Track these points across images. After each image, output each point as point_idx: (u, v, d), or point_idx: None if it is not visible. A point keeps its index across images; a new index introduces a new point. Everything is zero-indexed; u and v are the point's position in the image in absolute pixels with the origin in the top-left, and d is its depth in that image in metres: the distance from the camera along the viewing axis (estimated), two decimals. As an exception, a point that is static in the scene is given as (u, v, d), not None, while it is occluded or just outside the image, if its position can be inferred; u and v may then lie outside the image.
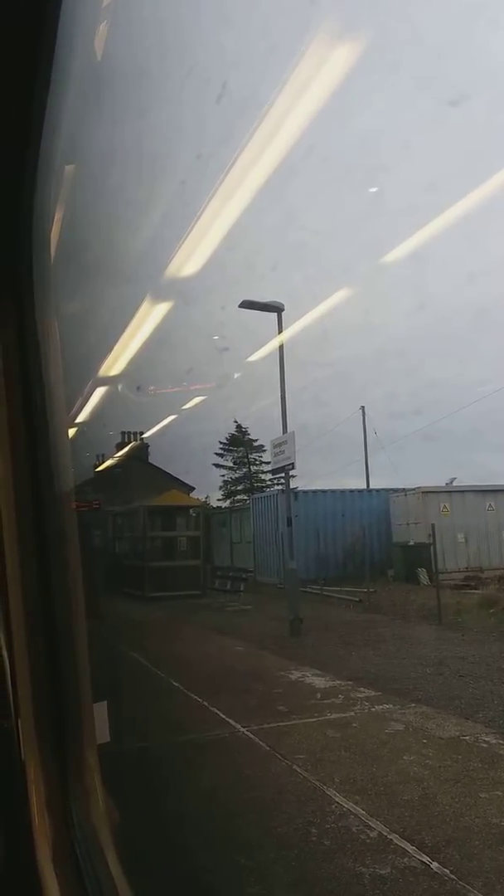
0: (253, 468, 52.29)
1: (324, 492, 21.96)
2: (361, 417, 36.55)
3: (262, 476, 51.91)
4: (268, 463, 51.24)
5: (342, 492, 22.27)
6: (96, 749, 1.50)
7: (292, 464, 11.95)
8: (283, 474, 12.37)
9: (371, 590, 17.49)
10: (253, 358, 14.39)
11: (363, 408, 36.99)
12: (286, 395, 12.37)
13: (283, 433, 12.11)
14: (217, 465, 50.97)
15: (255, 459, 52.43)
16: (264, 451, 51.71)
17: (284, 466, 12.13)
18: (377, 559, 21.59)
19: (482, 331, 41.96)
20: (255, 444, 51.99)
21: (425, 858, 3.77)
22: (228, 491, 51.48)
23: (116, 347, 7.58)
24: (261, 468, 52.25)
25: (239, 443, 52.10)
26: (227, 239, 5.85)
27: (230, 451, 52.41)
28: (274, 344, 12.92)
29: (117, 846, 1.45)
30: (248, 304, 12.16)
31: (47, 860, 1.30)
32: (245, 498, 47.93)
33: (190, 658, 10.06)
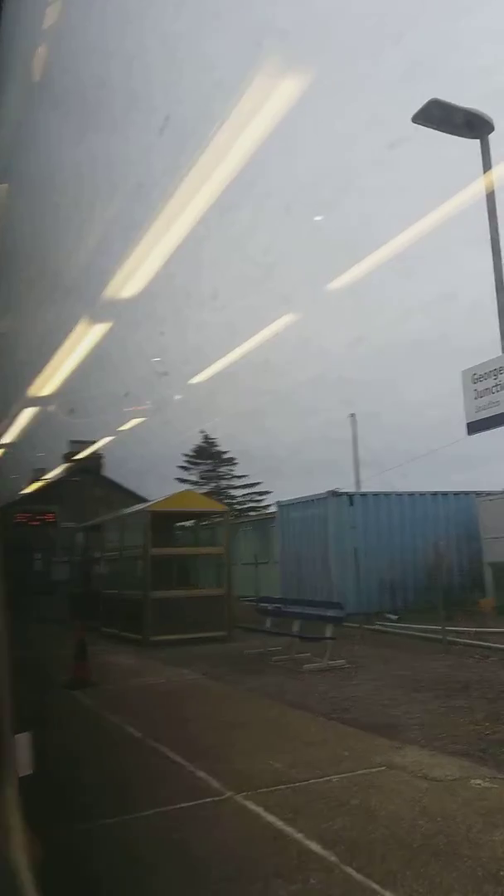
0: (223, 482, 46.96)
1: (387, 495, 16.40)
2: (352, 427, 31.47)
3: (233, 492, 46.72)
4: (240, 477, 46.30)
5: (411, 495, 16.67)
6: (17, 783, 1.32)
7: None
8: (492, 427, 6.59)
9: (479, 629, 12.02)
10: (195, 381, 13.73)
11: (353, 415, 31.93)
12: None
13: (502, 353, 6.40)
14: (182, 480, 45.29)
15: (226, 473, 47.36)
16: (235, 464, 46.56)
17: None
18: (460, 583, 16.06)
19: (415, 364, 43.30)
20: (225, 456, 47.08)
21: None
22: (195, 508, 45.76)
23: (49, 367, 7.48)
24: (231, 482, 47.06)
25: (206, 455, 46.92)
26: (166, 266, 6.01)
27: (196, 464, 47.07)
28: (232, 357, 12.02)
29: (39, 887, 1.28)
30: (432, 109, 6.60)
31: None
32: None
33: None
